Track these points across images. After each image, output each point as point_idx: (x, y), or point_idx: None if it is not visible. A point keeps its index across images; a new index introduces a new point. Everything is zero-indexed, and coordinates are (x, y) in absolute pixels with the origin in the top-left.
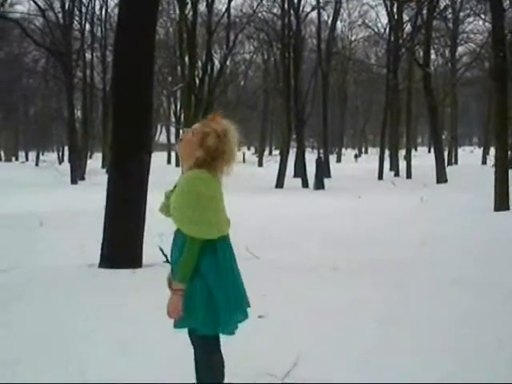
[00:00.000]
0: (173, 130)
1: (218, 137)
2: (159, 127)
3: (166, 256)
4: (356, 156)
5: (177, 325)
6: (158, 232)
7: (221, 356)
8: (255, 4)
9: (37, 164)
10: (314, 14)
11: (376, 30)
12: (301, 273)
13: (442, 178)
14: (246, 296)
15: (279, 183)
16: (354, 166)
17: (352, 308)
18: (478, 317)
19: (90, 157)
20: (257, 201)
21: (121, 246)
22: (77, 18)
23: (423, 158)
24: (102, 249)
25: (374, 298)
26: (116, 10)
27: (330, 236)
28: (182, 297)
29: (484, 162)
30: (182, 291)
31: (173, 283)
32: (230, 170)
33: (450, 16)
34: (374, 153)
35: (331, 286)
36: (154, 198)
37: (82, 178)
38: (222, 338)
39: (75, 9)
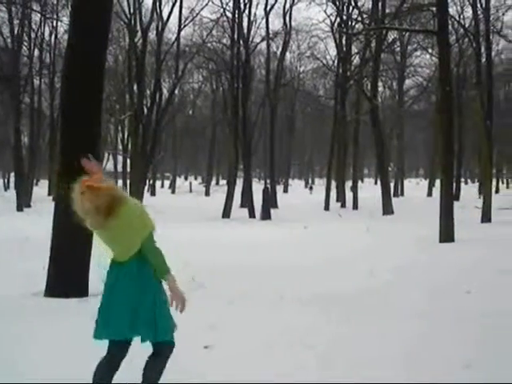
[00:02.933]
0: (120, 158)
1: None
2: (106, 155)
3: None
4: (311, 187)
5: (168, 335)
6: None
7: None
8: (205, 34)
9: None
10: (263, 45)
11: (325, 61)
12: (249, 302)
13: (388, 209)
14: None
15: (226, 213)
16: (308, 198)
17: (300, 338)
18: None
19: (37, 184)
20: (203, 231)
21: (67, 275)
22: (25, 44)
23: (370, 190)
24: (47, 277)
25: (322, 330)
26: (66, 37)
27: (276, 266)
28: None
29: (430, 193)
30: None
31: (168, 277)
32: None
33: (397, 49)
34: (321, 184)
35: (278, 315)
36: None
37: (28, 206)
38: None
39: (24, 34)
